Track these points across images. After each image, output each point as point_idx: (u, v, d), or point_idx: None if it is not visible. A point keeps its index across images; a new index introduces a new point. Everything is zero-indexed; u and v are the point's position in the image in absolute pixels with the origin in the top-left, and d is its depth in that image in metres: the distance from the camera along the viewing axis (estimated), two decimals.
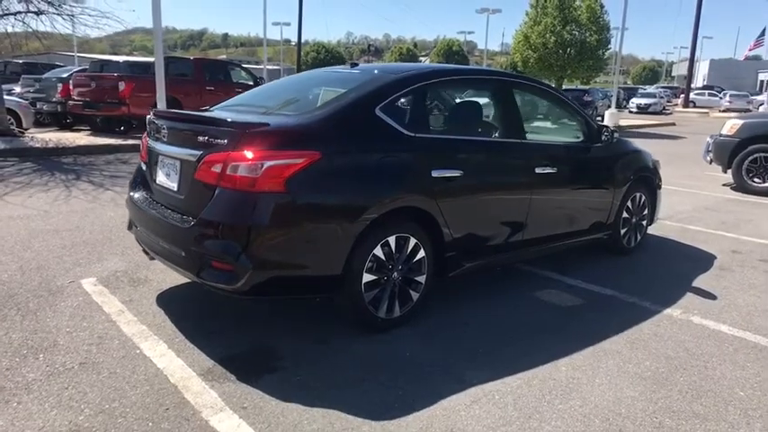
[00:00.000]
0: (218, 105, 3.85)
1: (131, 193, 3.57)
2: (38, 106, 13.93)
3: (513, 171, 3.81)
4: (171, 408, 2.44)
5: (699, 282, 4.41)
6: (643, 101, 33.97)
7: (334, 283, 2.96)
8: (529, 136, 3.99)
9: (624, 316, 3.66)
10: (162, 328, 3.21)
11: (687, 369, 3.00)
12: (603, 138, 4.47)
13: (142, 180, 3.56)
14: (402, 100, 3.30)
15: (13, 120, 12.18)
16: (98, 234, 5.08)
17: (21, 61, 18.37)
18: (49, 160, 9.59)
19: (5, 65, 18.16)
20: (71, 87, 13.20)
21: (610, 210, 4.67)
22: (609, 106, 23.56)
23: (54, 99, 13.83)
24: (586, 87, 25.68)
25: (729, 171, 9.03)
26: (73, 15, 10.55)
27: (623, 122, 23.95)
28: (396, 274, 3.22)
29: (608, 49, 21.08)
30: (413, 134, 3.25)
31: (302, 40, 40.68)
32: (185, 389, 2.59)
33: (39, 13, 10.17)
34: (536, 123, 4.77)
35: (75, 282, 3.89)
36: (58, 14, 10.39)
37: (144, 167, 3.57)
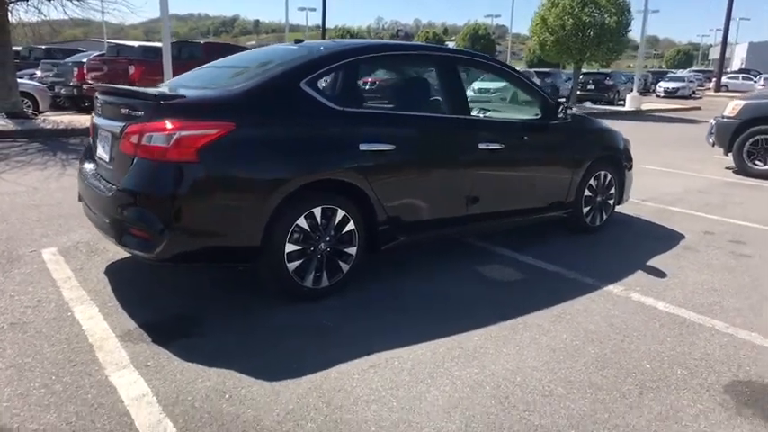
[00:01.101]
0: (169, 81, 3.96)
1: (80, 167, 3.72)
2: (56, 90, 14.38)
3: (452, 146, 3.81)
4: (79, 364, 2.58)
5: (655, 260, 4.36)
6: (671, 85, 32.99)
7: (253, 253, 3.05)
8: (475, 112, 3.99)
9: (561, 291, 3.66)
10: (100, 294, 3.36)
11: (602, 342, 3.00)
12: (560, 115, 4.42)
13: (89, 154, 3.70)
14: (330, 75, 3.35)
15: (30, 103, 12.63)
16: (75, 209, 5.26)
17: (43, 47, 18.90)
18: (57, 141, 9.91)
19: (30, 51, 18.75)
20: (85, 72, 13.56)
21: (569, 187, 4.63)
22: (631, 90, 23.01)
23: (70, 83, 14.25)
24: (608, 71, 25.06)
25: (731, 154, 8.77)
26: (81, 0, 10.80)
27: (645, 106, 23.37)
28: (323, 245, 3.29)
29: (628, 32, 20.45)
30: (341, 108, 3.30)
31: (333, 26, 40.65)
32: (99, 348, 2.73)
33: None
34: (493, 100, 4.74)
35: (36, 251, 4.07)
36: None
37: (91, 142, 3.71)
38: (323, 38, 39.41)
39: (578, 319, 3.28)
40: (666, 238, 5.00)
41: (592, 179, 4.83)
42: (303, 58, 3.36)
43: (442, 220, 3.86)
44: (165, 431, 2.14)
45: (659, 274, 4.09)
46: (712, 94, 37.33)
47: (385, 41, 4.48)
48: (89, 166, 3.63)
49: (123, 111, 3.04)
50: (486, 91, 11.78)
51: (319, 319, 3.14)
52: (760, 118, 8.32)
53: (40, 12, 10.69)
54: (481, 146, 3.90)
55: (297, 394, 2.40)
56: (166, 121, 2.80)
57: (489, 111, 4.79)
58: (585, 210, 4.88)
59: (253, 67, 3.45)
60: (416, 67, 4.40)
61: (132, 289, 3.48)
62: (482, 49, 51.15)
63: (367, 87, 3.87)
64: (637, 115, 20.70)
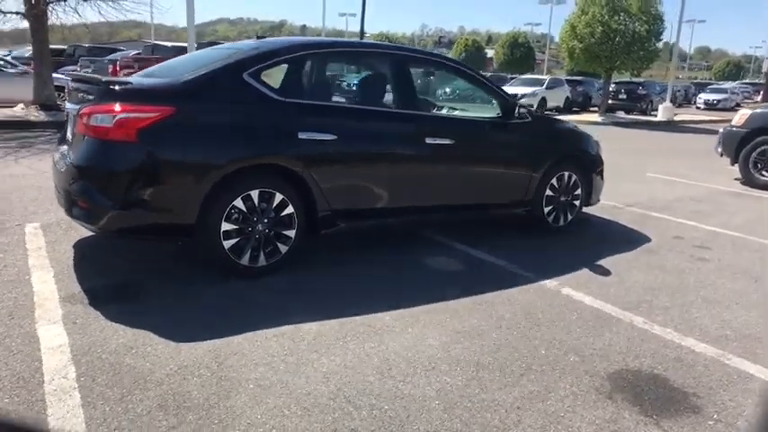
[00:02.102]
0: (140, 72, 4.28)
1: (56, 148, 4.06)
2: None
3: (396, 139, 3.98)
4: (16, 318, 2.88)
5: (606, 260, 4.40)
6: (712, 96, 32.02)
7: (188, 230, 3.30)
8: (426, 107, 4.14)
9: (494, 282, 3.77)
10: (60, 262, 3.67)
11: (510, 329, 3.12)
12: (516, 115, 4.53)
13: (63, 137, 4.04)
14: (274, 68, 3.58)
15: (65, 96, 13.40)
16: None
17: (87, 45, 19.94)
18: None
19: (74, 48, 19.80)
20: (118, 68, 14.30)
21: (528, 185, 4.72)
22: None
23: None
24: (641, 80, 24.56)
25: (738, 164, 8.59)
26: (117, 1, 11.43)
27: (679, 117, 22.83)
28: (261, 226, 3.51)
29: (660, 40, 20.03)
30: (282, 98, 3.53)
31: (377, 32, 41.15)
32: (40, 306, 3.02)
33: None
34: (452, 99, 4.88)
35: (21, 225, 4.45)
36: (102, 0, 11.30)
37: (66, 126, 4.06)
38: None
39: (497, 307, 3.39)
40: (631, 241, 5.02)
41: (554, 179, 4.90)
42: (251, 52, 3.61)
43: (385, 209, 4.03)
44: (65, 375, 2.39)
45: (604, 272, 4.15)
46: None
47: (336, 39, 4.70)
48: (62, 148, 3.97)
49: (81, 95, 3.35)
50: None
51: (249, 294, 3.36)
52: (767, 128, 8.13)
53: (76, 11, 11.34)
54: (428, 140, 4.06)
55: (195, 354, 2.63)
56: (111, 104, 3.09)
57: (456, 109, 4.94)
58: (547, 209, 4.95)
59: (207, 60, 3.71)
60: (365, 64, 4.58)
61: (91, 260, 3.79)
62: (521, 58, 50.74)
63: (311, 80, 4.03)
64: (668, 126, 20.27)
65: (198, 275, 3.58)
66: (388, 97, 4.06)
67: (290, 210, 3.58)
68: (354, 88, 4.04)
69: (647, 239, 5.12)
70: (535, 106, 21.16)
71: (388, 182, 3.98)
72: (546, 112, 21.27)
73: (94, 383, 2.36)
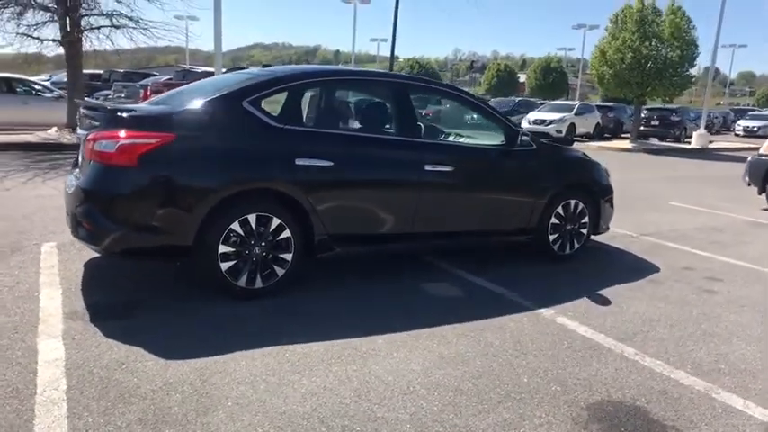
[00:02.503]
0: (148, 100, 4.50)
1: (71, 171, 4.28)
2: None
3: (395, 166, 4.06)
4: (20, 332, 3.04)
5: (608, 290, 4.35)
6: (751, 123, 31.21)
7: (185, 252, 3.44)
8: (427, 135, 4.23)
9: (490, 310, 3.78)
10: (70, 280, 3.86)
11: (496, 356, 3.12)
12: (518, 142, 4.56)
13: (76, 162, 4.26)
14: (274, 96, 3.74)
15: None
16: None
17: (122, 71, 20.86)
18: None
19: (110, 74, 20.74)
20: (149, 93, 14.90)
21: (531, 213, 4.73)
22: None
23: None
24: (674, 107, 24.16)
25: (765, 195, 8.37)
26: (147, 29, 12.00)
27: (714, 145, 22.34)
28: (258, 249, 3.62)
29: (694, 66, 19.75)
30: (281, 126, 3.67)
31: (411, 56, 41.66)
32: (44, 322, 3.18)
33: (117, 27, 11.72)
34: (456, 126, 4.95)
35: (39, 244, 4.68)
36: (134, 28, 11.88)
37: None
38: (390, 68, 40.58)
39: (487, 334, 3.40)
40: (637, 271, 4.95)
41: (560, 207, 4.89)
42: (251, 81, 3.78)
43: (383, 235, 4.10)
44: (57, 387, 2.52)
45: (604, 302, 4.11)
46: None
47: (337, 68, 4.85)
48: (75, 172, 4.18)
49: (90, 122, 3.56)
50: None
51: (244, 314, 3.46)
52: None
53: (108, 38, 11.94)
54: (427, 167, 4.13)
55: (182, 371, 2.73)
56: (115, 131, 3.28)
57: (462, 136, 5.01)
58: (552, 237, 4.93)
59: (214, 87, 3.90)
60: (365, 92, 4.70)
61: (99, 278, 3.97)
62: (554, 83, 50.56)
63: (311, 108, 4.17)
64: (702, 153, 19.87)
65: (197, 296, 3.70)
66: (388, 124, 4.16)
67: (287, 234, 3.69)
68: (354, 116, 4.17)
69: (656, 269, 5.04)
70: (564, 132, 21.07)
71: (385, 208, 4.06)
72: (574, 139, 21.13)
73: (82, 396, 2.47)
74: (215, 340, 3.08)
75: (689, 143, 22.05)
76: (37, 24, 11.49)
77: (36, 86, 13.44)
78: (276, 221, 3.64)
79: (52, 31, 11.61)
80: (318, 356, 2.98)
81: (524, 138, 4.59)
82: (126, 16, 11.77)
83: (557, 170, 4.92)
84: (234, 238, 3.53)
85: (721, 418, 2.62)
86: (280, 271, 3.73)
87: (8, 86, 12.65)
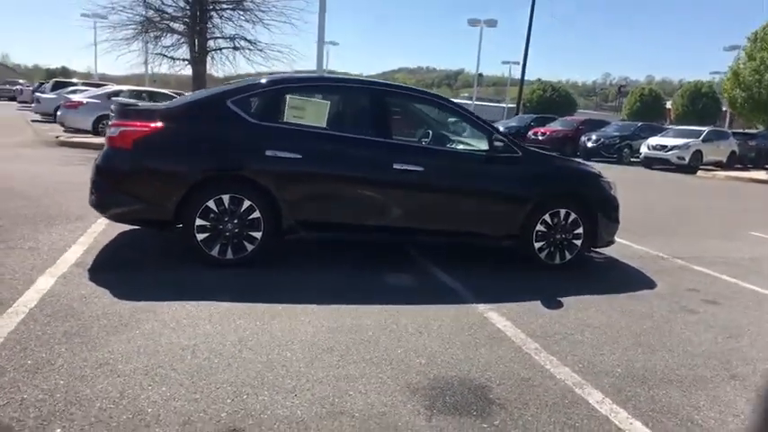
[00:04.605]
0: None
1: None
2: None
3: (362, 163, 4.47)
4: (34, 270, 3.94)
5: (573, 299, 4.31)
6: None
7: (166, 223, 4.19)
8: (404, 136, 4.59)
9: (430, 299, 4.01)
10: (99, 242, 4.79)
11: (392, 332, 3.40)
12: (499, 147, 4.69)
13: None
14: (256, 97, 4.38)
15: None
16: None
17: None
18: None
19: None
20: None
21: (512, 219, 4.83)
22: None
23: None
24: None
25: None
26: (262, 50, 13.58)
27: None
28: (230, 225, 4.25)
29: None
30: (257, 122, 4.29)
31: (556, 80, 41.02)
32: (56, 266, 4.07)
33: (236, 48, 13.42)
34: (439, 131, 5.21)
35: (98, 217, 5.72)
36: (250, 50, 13.52)
37: None
38: (520, 90, 40.06)
39: (401, 316, 3.66)
40: (627, 285, 4.80)
41: (547, 215, 4.92)
42: (238, 85, 4.47)
43: (348, 225, 4.52)
44: (27, 305, 3.31)
45: (554, 306, 4.12)
46: None
47: (314, 75, 5.36)
48: None
49: (112, 115, 4.48)
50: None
51: (208, 276, 4.09)
52: None
53: (228, 59, 13.71)
54: (396, 166, 4.48)
55: (122, 307, 3.41)
56: (120, 121, 4.13)
57: (449, 141, 5.28)
58: (538, 245, 4.96)
59: (206, 93, 4.67)
60: (341, 96, 5.10)
61: (122, 243, 4.86)
62: (702, 108, 46.32)
63: (287, 108, 4.73)
64: None
65: (188, 265, 4.39)
66: (359, 125, 4.60)
67: (257, 215, 4.27)
68: (321, 115, 4.63)
69: (651, 287, 4.84)
70: (687, 159, 19.47)
71: (351, 200, 4.48)
72: (699, 167, 19.43)
73: (40, 312, 3.24)
74: (167, 293, 3.72)
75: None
76: (171, 46, 13.59)
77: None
78: (247, 203, 4.24)
79: (182, 53, 13.63)
80: (237, 313, 3.49)
81: (502, 144, 4.71)
82: (245, 39, 13.42)
83: (542, 178, 4.95)
84: (209, 214, 4.20)
85: (571, 407, 2.68)
86: (249, 246, 4.32)
87: (151, 98, 14.98)
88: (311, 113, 5.02)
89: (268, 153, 4.23)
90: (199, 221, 4.19)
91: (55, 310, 3.29)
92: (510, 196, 4.83)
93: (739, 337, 3.83)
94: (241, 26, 13.56)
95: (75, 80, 25.23)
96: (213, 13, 13.19)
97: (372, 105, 4.58)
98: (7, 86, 37.54)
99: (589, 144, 22.28)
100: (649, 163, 20.41)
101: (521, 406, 2.66)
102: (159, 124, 4.10)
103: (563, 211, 4.97)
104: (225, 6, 13.10)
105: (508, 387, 2.83)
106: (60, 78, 27.95)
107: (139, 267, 4.25)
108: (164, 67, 14.11)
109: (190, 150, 4.17)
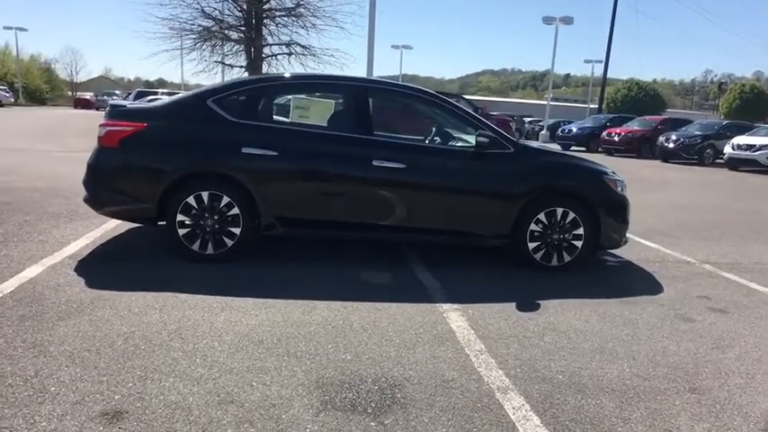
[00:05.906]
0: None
1: None
2: None
3: (340, 159, 4.44)
4: (31, 259, 4.27)
5: (553, 302, 4.06)
6: None
7: (149, 219, 4.40)
8: (382, 133, 4.53)
9: (396, 297, 3.93)
10: (104, 237, 5.11)
11: (334, 327, 3.37)
12: (486, 143, 4.50)
13: None
14: (235, 96, 4.49)
15: None
16: None
17: None
18: None
19: None
20: None
21: (502, 218, 4.63)
22: None
23: None
24: None
25: None
26: (315, 55, 13.93)
27: None
28: (210, 221, 4.40)
29: None
30: (235, 120, 4.40)
31: (652, 79, 39.26)
32: (51, 256, 4.39)
33: (290, 54, 13.85)
34: (424, 126, 5.06)
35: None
36: (304, 55, 13.91)
37: None
38: (602, 89, 38.28)
39: (353, 312, 3.63)
40: (626, 291, 4.45)
41: (542, 214, 4.67)
42: (218, 85, 4.61)
43: (326, 221, 4.52)
44: (2, 291, 3.61)
45: (529, 308, 3.92)
46: None
47: (299, 73, 5.34)
48: None
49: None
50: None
51: (183, 269, 4.25)
52: None
53: (281, 64, 14.18)
54: (375, 162, 4.44)
55: (88, 296, 3.62)
56: (109, 121, 4.39)
57: (440, 138, 5.14)
58: (533, 245, 4.72)
59: (191, 93, 4.84)
60: (320, 93, 5.09)
61: (123, 239, 5.16)
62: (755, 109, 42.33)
63: (266, 106, 4.79)
64: None
65: (177, 255, 4.59)
66: (338, 121, 4.59)
67: (235, 211, 4.39)
68: (306, 114, 4.67)
69: (654, 293, 4.46)
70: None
71: (329, 197, 4.48)
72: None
73: (11, 298, 3.51)
74: (137, 284, 3.89)
75: None
76: (228, 53, 14.27)
77: None
78: (226, 199, 4.37)
79: (240, 59, 14.26)
80: (192, 305, 3.60)
81: (488, 139, 4.51)
82: (300, 45, 13.84)
83: (536, 175, 4.70)
84: (190, 210, 4.36)
85: (468, 409, 2.54)
86: (229, 242, 4.44)
87: None
88: (316, 113, 5.11)
89: (244, 150, 4.33)
90: (180, 217, 4.36)
91: (24, 296, 3.55)
92: (498, 193, 4.62)
93: (728, 348, 3.44)
94: (296, 32, 14.01)
95: (158, 90, 27.05)
96: (268, 21, 13.71)
97: (352, 101, 4.57)
98: (105, 97, 41.04)
99: (668, 145, 20.85)
100: (734, 164, 18.75)
101: (424, 407, 2.55)
102: (144, 124, 4.32)
103: (560, 210, 4.70)
104: (278, 14, 13.60)
105: (423, 387, 2.72)
106: (143, 89, 30.08)
107: (125, 260, 4.49)
108: (218, 76, 14.87)
109: (170, 148, 4.35)
